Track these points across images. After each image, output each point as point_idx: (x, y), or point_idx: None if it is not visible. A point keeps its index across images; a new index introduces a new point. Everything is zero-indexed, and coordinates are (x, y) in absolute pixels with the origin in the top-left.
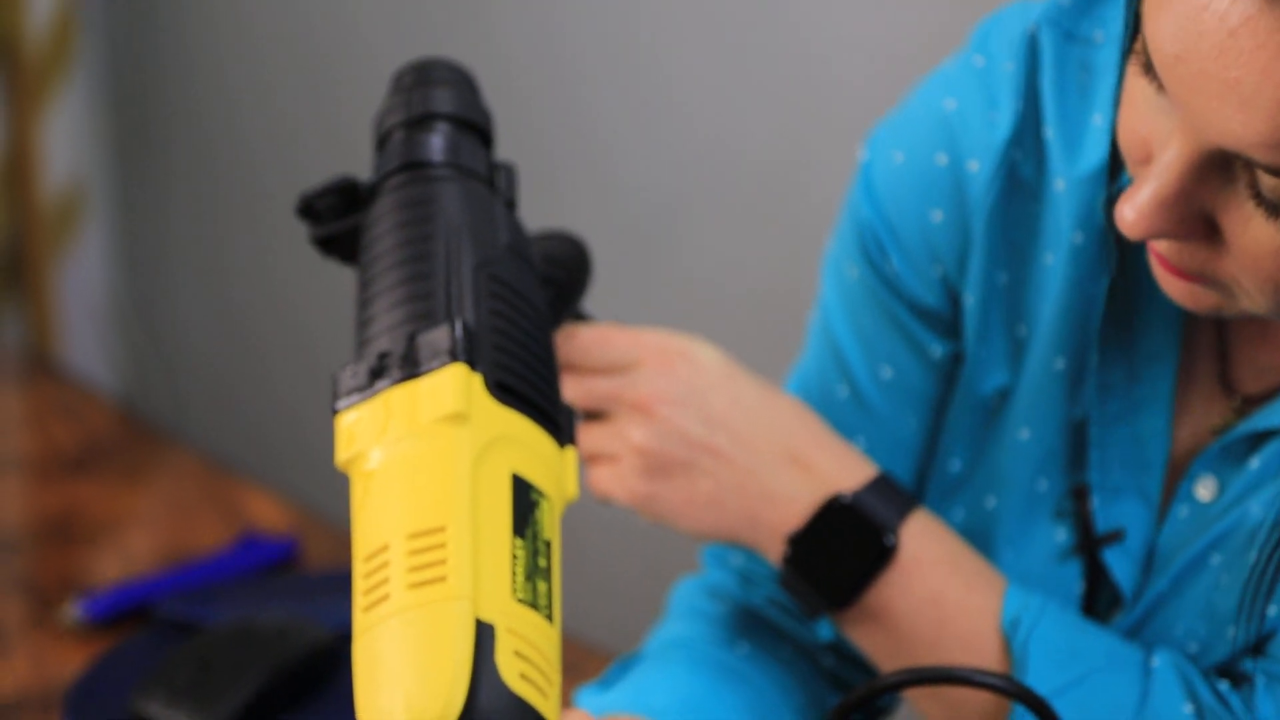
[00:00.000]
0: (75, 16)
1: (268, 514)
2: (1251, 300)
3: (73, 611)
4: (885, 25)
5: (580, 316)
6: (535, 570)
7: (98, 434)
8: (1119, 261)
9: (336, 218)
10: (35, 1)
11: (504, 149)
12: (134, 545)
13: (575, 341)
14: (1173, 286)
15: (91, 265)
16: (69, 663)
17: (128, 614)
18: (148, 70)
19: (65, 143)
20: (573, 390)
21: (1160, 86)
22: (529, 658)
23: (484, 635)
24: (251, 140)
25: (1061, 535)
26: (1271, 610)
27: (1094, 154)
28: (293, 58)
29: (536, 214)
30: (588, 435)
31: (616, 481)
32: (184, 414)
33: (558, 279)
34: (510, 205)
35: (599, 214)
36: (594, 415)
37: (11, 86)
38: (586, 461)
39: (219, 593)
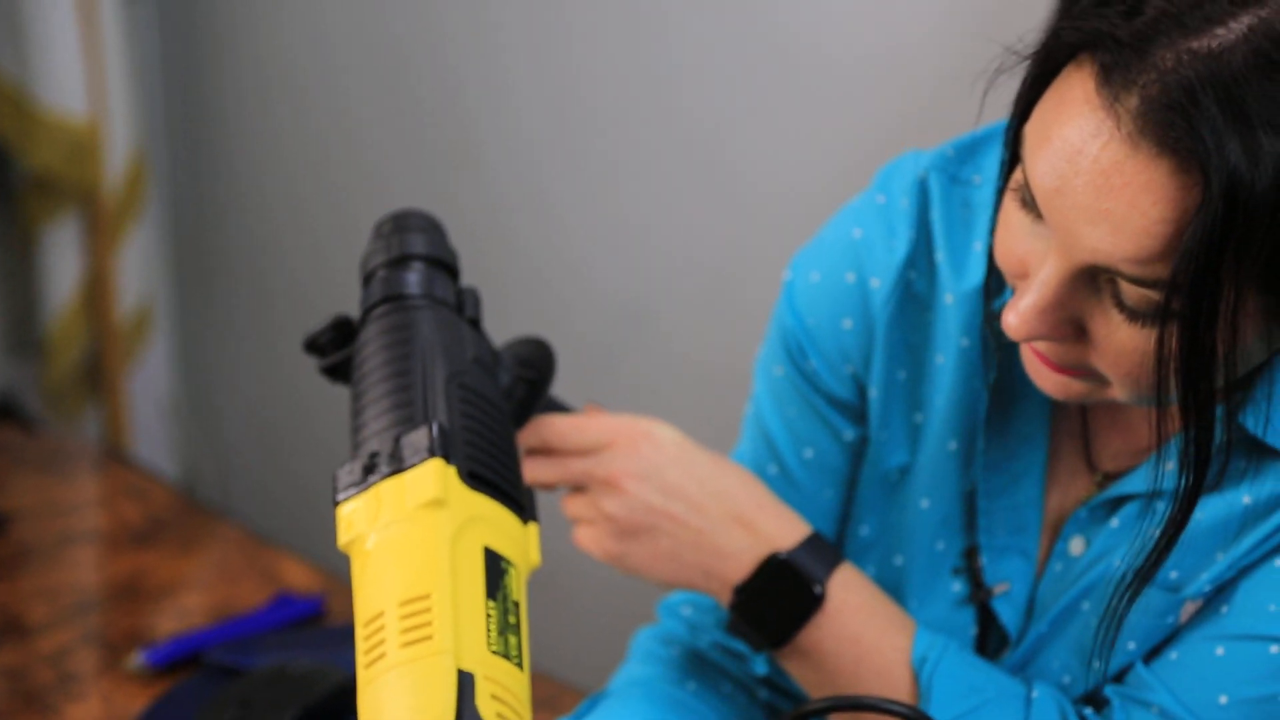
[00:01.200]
0: (145, 166)
1: (299, 577)
2: (1116, 391)
3: (137, 659)
4: (803, 167)
5: (559, 406)
6: (506, 626)
7: (159, 512)
8: (998, 362)
9: (337, 349)
10: (111, 154)
11: (494, 265)
12: (188, 604)
13: (555, 429)
14: (1047, 380)
15: (156, 373)
16: (134, 703)
17: (182, 661)
18: (206, 211)
19: (136, 271)
20: (555, 470)
21: (1037, 216)
22: (504, 700)
23: (465, 683)
24: (293, 271)
25: (958, 587)
26: (1130, 645)
27: (976, 274)
28: (326, 203)
29: (529, 318)
30: (570, 504)
31: (594, 542)
32: (230, 495)
33: (529, 376)
34: (475, 324)
35: (580, 314)
36: (576, 488)
37: (92, 225)
38: (572, 523)
39: (258, 643)
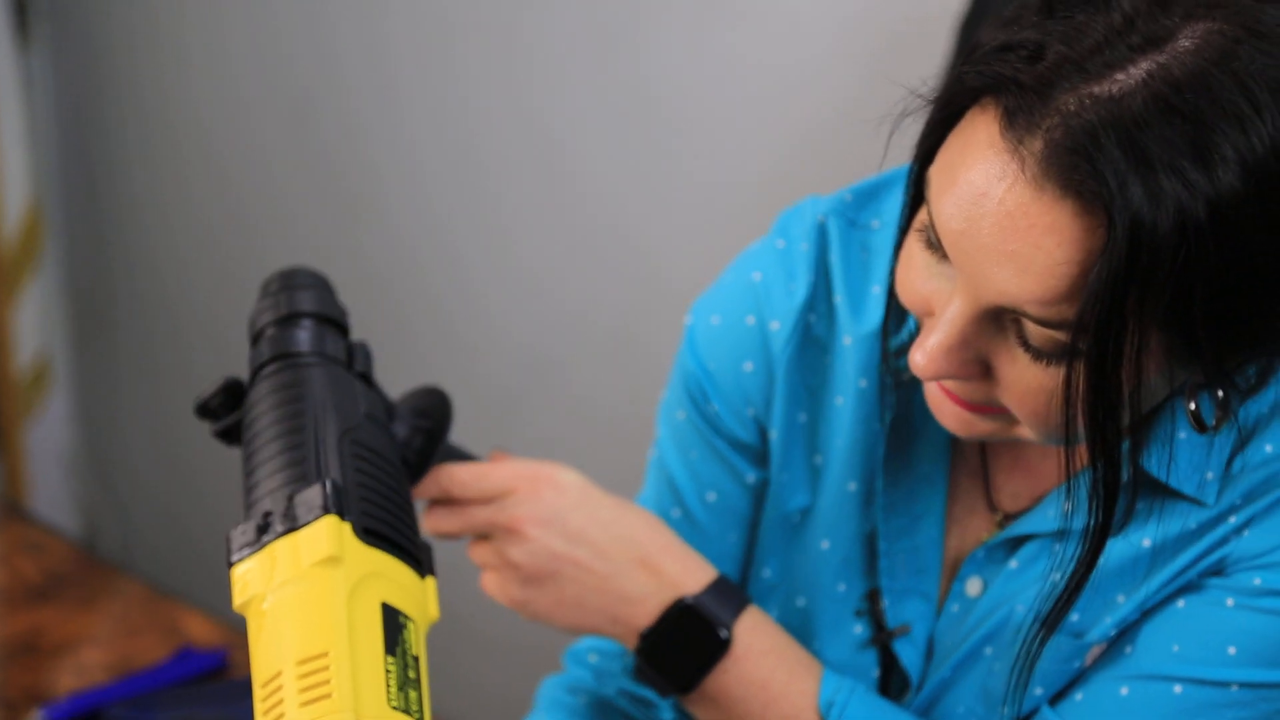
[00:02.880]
0: (41, 219)
1: (202, 631)
2: (1024, 429)
3: (36, 718)
4: (698, 213)
5: (461, 454)
6: (406, 681)
7: (58, 567)
8: (896, 402)
9: (228, 412)
10: (6, 206)
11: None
12: (88, 660)
13: (455, 478)
14: (952, 418)
15: (55, 426)
16: None
17: (83, 719)
18: (104, 263)
19: (33, 325)
20: (457, 520)
21: (942, 256)
22: None
23: None
24: (187, 325)
25: (860, 630)
26: (1037, 691)
27: (874, 316)
28: (226, 256)
29: (436, 366)
30: (475, 552)
31: (499, 589)
32: (131, 549)
33: (425, 426)
34: (367, 379)
35: (486, 363)
36: (481, 535)
37: None
38: (480, 568)
39: (161, 698)
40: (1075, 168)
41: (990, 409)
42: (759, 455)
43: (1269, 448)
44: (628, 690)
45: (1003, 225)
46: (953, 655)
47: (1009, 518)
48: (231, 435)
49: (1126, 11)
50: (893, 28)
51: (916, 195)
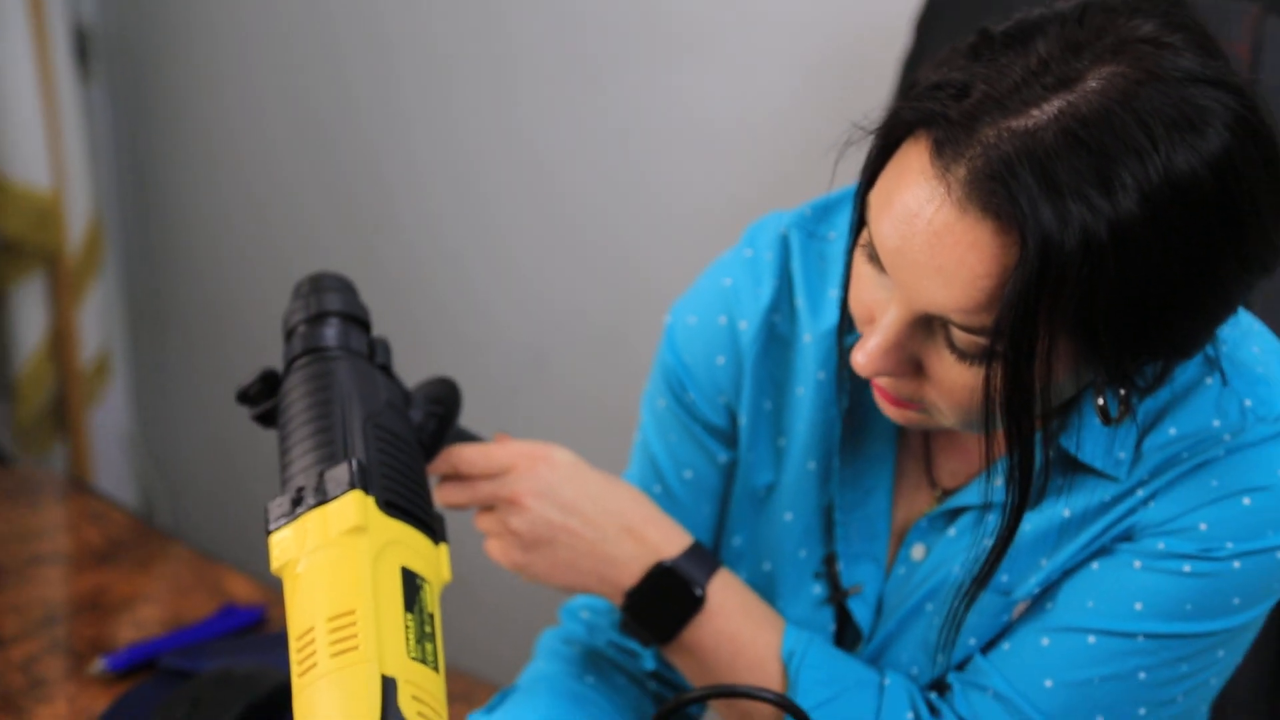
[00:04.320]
0: (102, 231)
1: (242, 590)
2: (946, 418)
3: (98, 665)
4: (676, 225)
5: (469, 436)
6: (423, 635)
7: (118, 535)
8: (850, 393)
9: (265, 399)
10: (72, 220)
11: (413, 315)
12: (144, 616)
13: (463, 457)
14: (890, 410)
15: (114, 412)
16: (96, 704)
17: (139, 666)
18: (157, 269)
19: (96, 323)
20: (465, 493)
21: (881, 269)
22: (423, 700)
23: (388, 687)
24: (227, 324)
25: (818, 590)
26: (970, 641)
27: (830, 316)
28: (263, 262)
29: (443, 360)
30: (481, 521)
31: (502, 554)
32: (181, 519)
33: (438, 412)
34: (386, 370)
35: (487, 357)
36: (485, 507)
37: (56, 283)
38: (485, 536)
39: (206, 649)
40: (994, 193)
41: (917, 404)
42: (730, 438)
43: (1173, 430)
44: (615, 641)
45: (931, 243)
46: (898, 611)
47: (947, 492)
48: (267, 419)
49: (1042, 55)
50: (847, 74)
51: (860, 216)
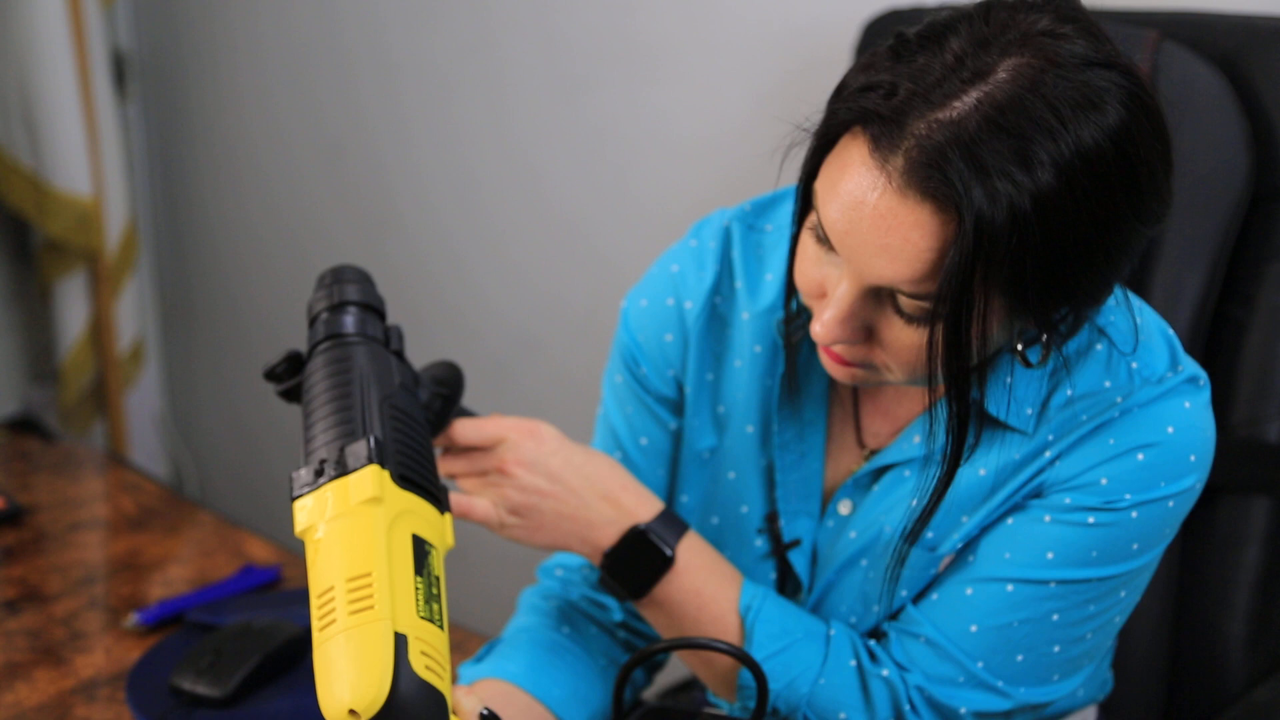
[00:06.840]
0: (137, 233)
1: (261, 553)
2: (894, 375)
3: (132, 620)
4: (646, 225)
5: (468, 413)
6: (431, 596)
7: (150, 503)
8: (785, 361)
9: (290, 377)
10: (110, 223)
11: (417, 303)
12: (173, 575)
13: (461, 431)
14: (840, 372)
15: (148, 395)
16: (130, 654)
17: (168, 620)
18: (186, 266)
19: (131, 315)
20: (461, 464)
21: (830, 249)
22: (430, 655)
23: (400, 643)
24: (249, 317)
25: (761, 544)
26: (903, 593)
27: (766, 298)
28: (282, 258)
29: (445, 344)
30: (475, 487)
31: (493, 517)
32: (207, 490)
33: (443, 392)
34: (400, 355)
35: (484, 341)
36: (480, 475)
37: (96, 279)
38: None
39: (229, 604)
40: (930, 178)
41: (863, 367)
42: (678, 407)
43: (1070, 392)
44: (588, 595)
45: (877, 225)
46: (833, 563)
47: (873, 453)
48: (291, 395)
49: (956, 53)
50: (797, 95)
51: (805, 204)
